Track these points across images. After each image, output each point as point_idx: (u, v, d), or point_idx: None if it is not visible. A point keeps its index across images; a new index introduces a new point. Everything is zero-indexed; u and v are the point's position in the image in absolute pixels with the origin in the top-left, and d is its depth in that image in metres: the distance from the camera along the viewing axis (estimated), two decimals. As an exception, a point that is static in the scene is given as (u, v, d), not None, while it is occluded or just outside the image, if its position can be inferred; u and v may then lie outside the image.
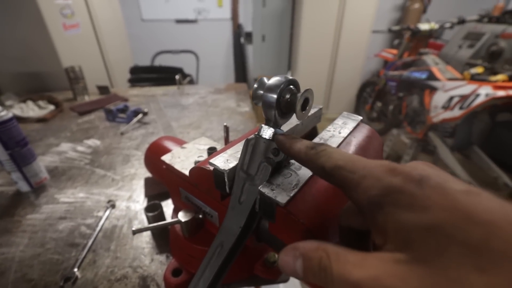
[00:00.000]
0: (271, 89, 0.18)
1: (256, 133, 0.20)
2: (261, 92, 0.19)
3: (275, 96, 0.18)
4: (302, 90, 0.20)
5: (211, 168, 0.21)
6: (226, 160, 0.21)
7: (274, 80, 0.19)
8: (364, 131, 0.29)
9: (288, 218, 0.17)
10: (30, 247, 0.47)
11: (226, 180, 0.20)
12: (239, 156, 0.21)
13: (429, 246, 0.11)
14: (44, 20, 1.18)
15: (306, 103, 0.19)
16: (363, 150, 0.25)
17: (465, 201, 0.12)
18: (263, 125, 0.20)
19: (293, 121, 0.26)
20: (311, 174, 0.20)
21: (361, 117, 0.29)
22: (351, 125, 0.28)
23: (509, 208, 0.11)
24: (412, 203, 0.13)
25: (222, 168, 0.20)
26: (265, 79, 0.20)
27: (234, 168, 0.21)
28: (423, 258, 0.11)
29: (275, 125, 0.19)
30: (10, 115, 0.55)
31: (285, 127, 0.25)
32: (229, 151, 0.23)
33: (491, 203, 0.11)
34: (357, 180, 0.14)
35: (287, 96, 0.19)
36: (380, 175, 0.14)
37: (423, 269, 0.11)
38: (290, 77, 0.19)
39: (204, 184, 0.26)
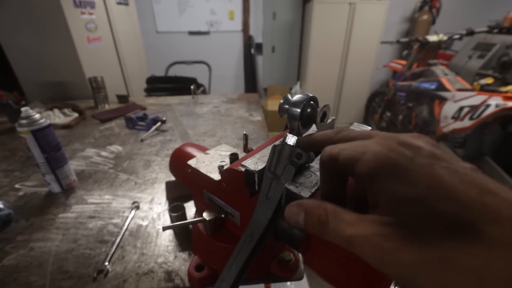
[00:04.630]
0: (295, 104, 0.22)
1: (282, 140, 0.24)
2: (287, 106, 0.23)
3: (298, 110, 0.22)
4: (320, 105, 0.24)
5: (243, 169, 0.25)
6: (255, 163, 0.25)
7: (298, 97, 0.23)
8: (373, 140, 0.32)
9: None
10: (64, 243, 0.51)
11: (256, 179, 0.24)
12: (265, 159, 0.25)
13: (413, 214, 0.14)
14: (71, 33, 1.27)
15: (324, 116, 0.23)
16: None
17: (448, 180, 0.13)
18: (287, 133, 0.24)
19: (311, 131, 0.30)
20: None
21: (370, 127, 0.33)
22: (361, 134, 0.32)
23: (487, 192, 0.13)
24: (402, 176, 0.14)
25: (253, 169, 0.24)
26: (289, 96, 0.24)
27: (262, 169, 0.24)
28: (406, 223, 0.14)
29: (298, 133, 0.23)
30: (48, 122, 0.61)
31: (304, 133, 0.29)
32: (257, 155, 0.26)
33: (471, 185, 0.13)
34: (358, 156, 0.16)
35: (308, 110, 0.23)
36: (377, 150, 0.16)
37: (405, 232, 0.14)
38: (311, 95, 0.23)
39: (234, 183, 0.30)
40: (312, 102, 0.23)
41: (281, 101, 0.24)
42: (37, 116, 0.59)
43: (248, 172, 0.25)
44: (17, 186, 0.69)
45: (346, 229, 0.16)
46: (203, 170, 0.42)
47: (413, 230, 0.14)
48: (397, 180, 0.15)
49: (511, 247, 0.11)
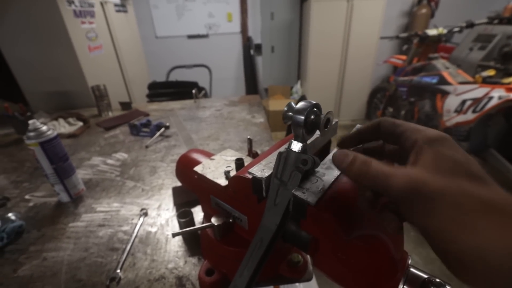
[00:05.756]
0: (299, 111, 0.23)
1: (287, 147, 0.24)
2: (291, 114, 0.23)
3: (302, 117, 0.23)
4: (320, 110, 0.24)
5: (250, 176, 0.26)
6: (262, 170, 0.26)
7: (301, 104, 0.23)
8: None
9: (318, 215, 0.22)
10: (76, 251, 0.53)
11: (263, 186, 0.25)
12: (272, 166, 0.26)
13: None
14: (72, 43, 1.29)
15: (328, 122, 0.24)
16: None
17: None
18: (292, 140, 0.24)
19: (315, 134, 0.30)
20: (333, 179, 0.25)
21: None
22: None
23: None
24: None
25: (260, 176, 0.25)
26: (293, 104, 0.24)
27: (270, 176, 0.25)
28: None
29: (303, 140, 0.24)
30: (55, 133, 0.62)
31: (308, 140, 0.30)
32: (263, 162, 0.27)
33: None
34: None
35: (312, 117, 0.23)
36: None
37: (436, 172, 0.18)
38: (314, 102, 0.23)
39: (242, 190, 0.30)
40: (315, 109, 0.23)
41: (285, 108, 0.24)
42: (44, 128, 0.60)
43: (256, 179, 0.25)
44: (27, 197, 0.70)
45: (385, 167, 0.19)
46: (209, 176, 0.42)
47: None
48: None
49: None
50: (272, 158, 0.27)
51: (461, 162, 0.18)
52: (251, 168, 0.26)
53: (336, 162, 0.22)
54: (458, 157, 0.18)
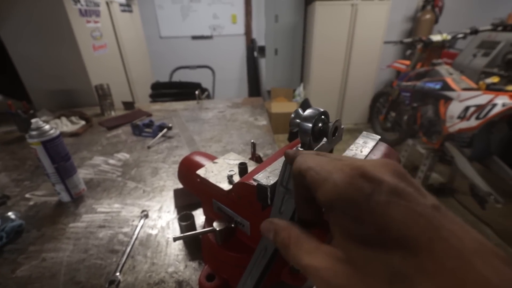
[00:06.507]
0: (307, 119, 0.22)
1: (294, 154, 0.24)
2: (298, 121, 0.23)
3: (310, 125, 0.22)
4: (321, 116, 0.24)
5: (255, 183, 0.25)
6: (267, 177, 0.25)
7: (309, 112, 0.23)
8: (382, 149, 0.32)
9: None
10: (75, 253, 0.52)
11: (268, 193, 0.24)
12: (277, 173, 0.25)
13: (361, 255, 0.14)
14: (77, 42, 1.29)
15: (336, 131, 0.23)
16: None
17: (401, 223, 0.13)
18: (299, 147, 0.24)
19: (321, 142, 0.30)
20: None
21: (379, 137, 0.33)
22: (371, 144, 0.32)
23: (438, 238, 0.12)
24: (356, 215, 0.14)
25: (265, 184, 0.24)
26: (300, 110, 0.24)
27: (275, 183, 0.25)
28: (355, 262, 0.14)
29: (309, 148, 0.23)
30: (57, 132, 0.61)
31: (315, 147, 0.29)
32: (268, 169, 0.27)
33: (424, 229, 0.13)
34: (320, 182, 0.16)
35: (320, 125, 0.23)
36: (338, 181, 0.15)
37: (352, 271, 0.14)
38: (322, 110, 0.23)
39: (247, 197, 0.30)
40: (323, 116, 0.23)
41: (292, 115, 0.24)
42: (47, 127, 0.60)
43: (261, 187, 0.25)
44: (27, 195, 0.70)
45: (303, 258, 0.16)
46: (212, 180, 0.42)
47: (360, 271, 0.14)
48: (350, 218, 0.15)
49: None
50: (278, 164, 0.27)
51: (372, 244, 0.14)
52: (256, 175, 0.25)
53: (263, 233, 0.21)
54: (366, 233, 0.14)
